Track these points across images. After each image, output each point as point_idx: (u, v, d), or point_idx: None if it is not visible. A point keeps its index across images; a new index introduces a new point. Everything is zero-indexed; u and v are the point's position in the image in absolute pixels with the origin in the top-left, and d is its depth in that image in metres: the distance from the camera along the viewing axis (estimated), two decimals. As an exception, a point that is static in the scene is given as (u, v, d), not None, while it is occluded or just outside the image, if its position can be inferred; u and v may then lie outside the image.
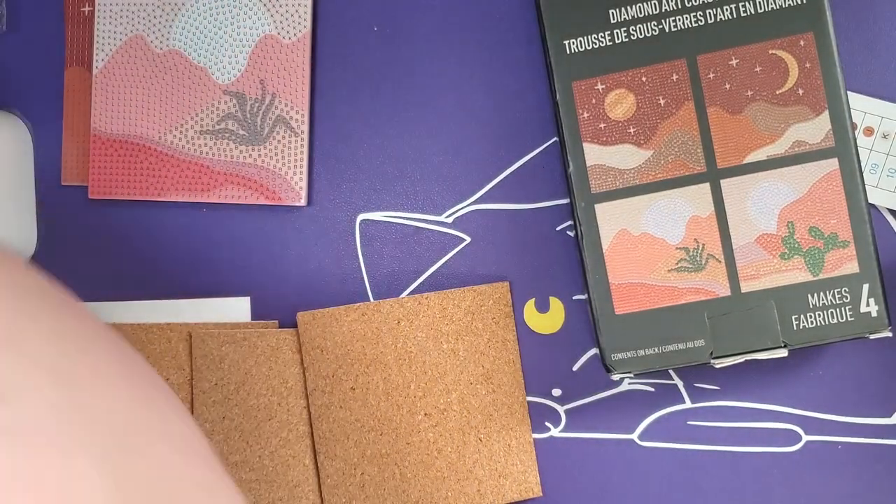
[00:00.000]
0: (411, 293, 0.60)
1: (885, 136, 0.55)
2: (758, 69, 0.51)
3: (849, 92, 0.56)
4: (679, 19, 0.51)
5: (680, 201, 0.51)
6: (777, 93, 0.51)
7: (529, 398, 0.59)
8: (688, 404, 0.58)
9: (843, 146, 0.50)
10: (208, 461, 0.38)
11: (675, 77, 0.51)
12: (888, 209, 0.56)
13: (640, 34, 0.52)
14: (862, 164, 0.51)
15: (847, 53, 0.57)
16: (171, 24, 0.60)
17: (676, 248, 0.51)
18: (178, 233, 0.62)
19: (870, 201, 0.55)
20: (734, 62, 0.51)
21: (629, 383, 0.59)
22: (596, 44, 0.52)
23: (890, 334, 0.50)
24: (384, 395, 0.59)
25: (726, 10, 0.51)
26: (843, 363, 0.57)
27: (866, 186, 0.51)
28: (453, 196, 0.60)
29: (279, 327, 0.61)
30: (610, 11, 0.52)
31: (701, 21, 0.51)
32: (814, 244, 0.50)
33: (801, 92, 0.50)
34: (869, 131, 0.55)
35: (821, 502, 0.57)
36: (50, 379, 0.34)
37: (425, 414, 0.58)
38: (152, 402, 0.37)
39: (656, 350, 0.51)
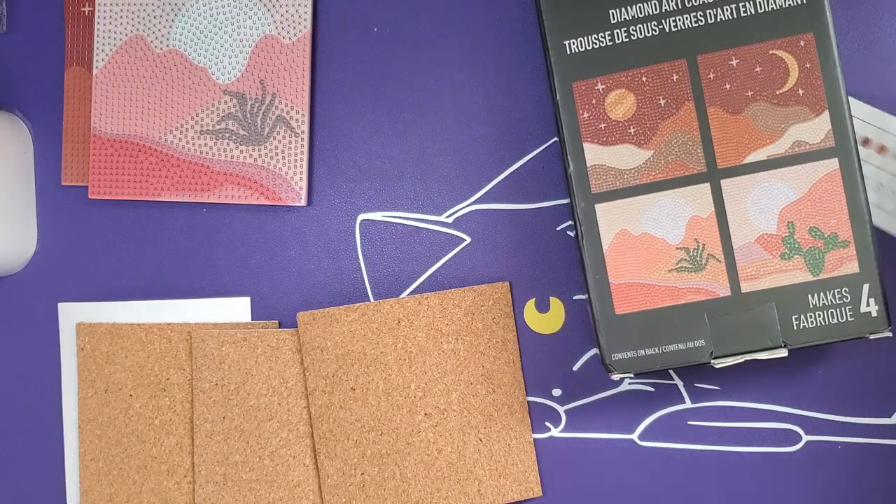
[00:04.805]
0: (411, 293, 0.60)
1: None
2: (758, 69, 0.51)
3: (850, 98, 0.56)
4: (679, 19, 0.51)
5: (680, 201, 0.51)
6: (777, 93, 0.51)
7: (529, 398, 0.59)
8: (688, 404, 0.58)
9: (843, 146, 0.50)
10: None
11: (675, 77, 0.51)
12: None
13: (641, 34, 0.51)
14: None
15: (847, 53, 0.57)
16: (171, 24, 0.60)
17: (677, 248, 0.51)
18: (178, 233, 0.62)
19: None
20: (734, 62, 0.51)
21: (629, 383, 0.59)
22: (596, 44, 0.52)
23: (890, 334, 0.50)
24: (384, 395, 0.59)
25: (726, 10, 0.51)
26: (843, 363, 0.57)
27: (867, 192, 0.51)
28: (453, 196, 0.60)
29: (279, 327, 0.61)
30: (610, 11, 0.52)
31: (701, 21, 0.51)
32: (814, 244, 0.50)
33: (801, 92, 0.50)
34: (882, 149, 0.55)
35: (821, 502, 0.57)
36: None
37: (425, 414, 0.58)
38: None
39: (656, 350, 0.51)
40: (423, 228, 0.60)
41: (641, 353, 0.51)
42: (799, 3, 0.50)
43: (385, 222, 0.61)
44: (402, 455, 0.58)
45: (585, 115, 0.52)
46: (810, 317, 0.50)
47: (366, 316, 0.59)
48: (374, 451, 0.58)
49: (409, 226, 0.60)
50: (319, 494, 0.59)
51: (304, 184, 0.60)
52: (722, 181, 0.51)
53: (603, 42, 0.52)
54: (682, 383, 0.58)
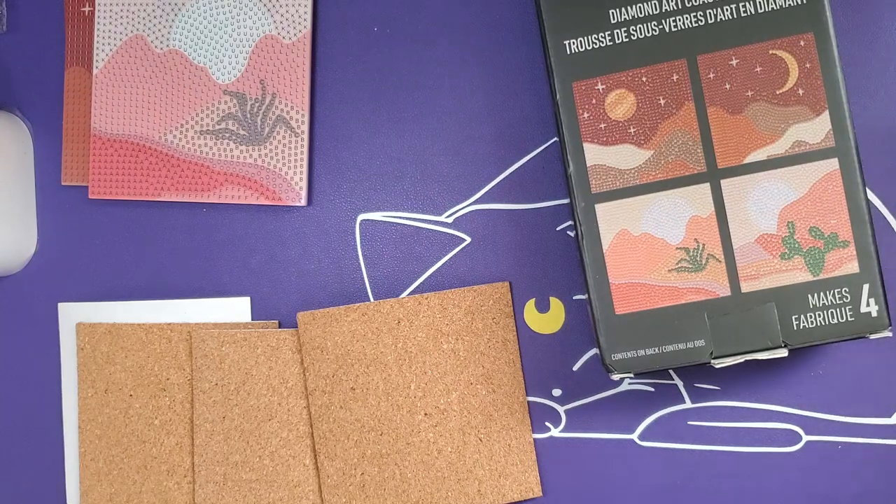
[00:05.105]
0: (411, 293, 0.60)
1: None
2: (758, 69, 0.51)
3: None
4: (679, 19, 0.51)
5: (680, 201, 0.51)
6: (777, 93, 0.51)
7: (529, 398, 0.59)
8: (688, 404, 0.58)
9: (843, 146, 0.50)
10: None
11: (675, 77, 0.51)
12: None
13: (640, 34, 0.51)
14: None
15: (847, 53, 0.57)
16: (171, 24, 0.60)
17: (677, 248, 0.51)
18: (178, 233, 0.62)
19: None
20: (734, 62, 0.51)
21: (629, 383, 0.59)
22: (596, 44, 0.52)
23: (890, 334, 0.50)
24: (384, 395, 0.59)
25: (726, 10, 0.51)
26: (843, 363, 0.57)
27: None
28: (453, 196, 0.60)
29: (279, 327, 0.61)
30: (610, 11, 0.52)
31: (701, 21, 0.51)
32: (814, 244, 0.50)
33: (801, 92, 0.50)
34: None
35: (821, 502, 0.57)
36: None
37: (425, 414, 0.58)
38: None
39: (656, 350, 0.51)
40: (423, 228, 0.60)
41: (641, 353, 0.51)
42: (799, 3, 0.50)
43: (385, 222, 0.61)
44: (402, 455, 0.58)
45: (585, 115, 0.52)
46: (810, 317, 0.50)
47: (366, 316, 0.59)
48: (374, 451, 0.58)
49: (409, 226, 0.60)
50: (319, 494, 0.59)
51: (304, 184, 0.60)
52: (722, 181, 0.51)
53: (603, 42, 0.52)
54: (682, 383, 0.58)
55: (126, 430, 0.61)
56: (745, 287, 0.51)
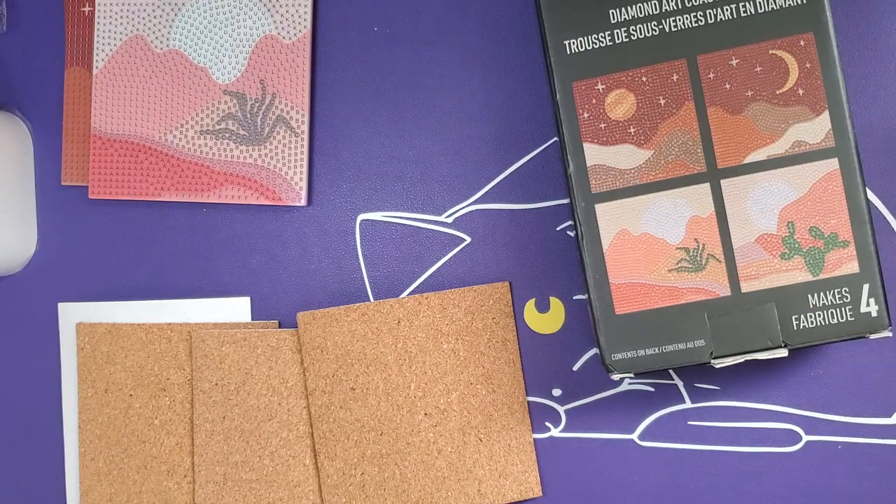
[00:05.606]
0: (411, 293, 0.60)
1: None
2: (758, 69, 0.51)
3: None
4: (679, 19, 0.51)
5: (680, 201, 0.51)
6: (777, 93, 0.51)
7: (529, 398, 0.59)
8: (688, 404, 0.58)
9: (843, 146, 0.50)
10: None
11: (675, 77, 0.51)
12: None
13: (641, 34, 0.51)
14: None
15: (847, 53, 0.57)
16: (171, 24, 0.60)
17: (676, 248, 0.51)
18: (178, 233, 0.62)
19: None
20: (734, 62, 0.51)
21: (629, 383, 0.59)
22: (596, 44, 0.52)
23: (890, 334, 0.50)
24: (384, 395, 0.59)
25: (726, 10, 0.51)
26: (843, 363, 0.57)
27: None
28: (453, 196, 0.60)
29: (279, 327, 0.61)
30: (610, 11, 0.52)
31: (701, 21, 0.51)
32: (814, 244, 0.50)
33: (801, 92, 0.50)
34: None
35: (821, 502, 0.57)
36: None
37: (425, 414, 0.58)
38: None
39: (656, 350, 0.51)
40: (423, 228, 0.60)
41: (641, 353, 0.51)
42: (799, 3, 0.50)
43: (385, 222, 0.61)
44: (402, 455, 0.58)
45: (585, 115, 0.52)
46: (810, 317, 0.50)
47: (366, 316, 0.59)
48: (374, 451, 0.58)
49: (409, 226, 0.60)
50: (319, 494, 0.59)
51: (304, 184, 0.60)
52: (722, 181, 0.51)
53: (603, 42, 0.52)
54: (682, 383, 0.58)
55: (126, 430, 0.61)
56: (745, 287, 0.51)
